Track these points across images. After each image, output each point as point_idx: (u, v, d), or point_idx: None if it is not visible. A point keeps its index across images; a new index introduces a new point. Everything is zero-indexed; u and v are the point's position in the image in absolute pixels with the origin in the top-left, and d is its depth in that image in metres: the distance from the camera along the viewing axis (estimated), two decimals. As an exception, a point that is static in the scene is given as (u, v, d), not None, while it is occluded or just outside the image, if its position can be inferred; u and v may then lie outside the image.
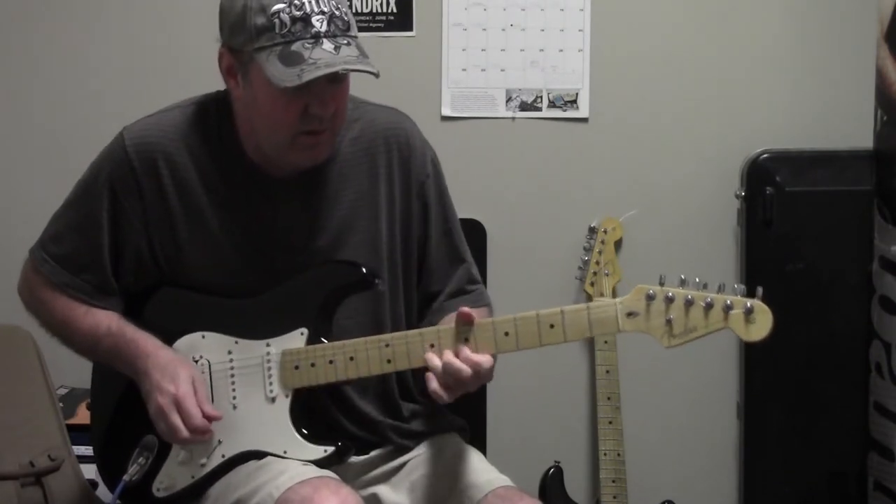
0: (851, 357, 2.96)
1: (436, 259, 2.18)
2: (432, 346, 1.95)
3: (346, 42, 1.93)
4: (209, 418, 2.01)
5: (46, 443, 2.39)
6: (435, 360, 1.93)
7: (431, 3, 3.02)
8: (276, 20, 1.91)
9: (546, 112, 3.06)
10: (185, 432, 1.99)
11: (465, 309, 1.96)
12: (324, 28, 1.92)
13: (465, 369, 1.90)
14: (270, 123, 1.99)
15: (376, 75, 1.94)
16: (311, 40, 1.91)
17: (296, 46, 1.91)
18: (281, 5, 1.91)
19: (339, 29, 1.93)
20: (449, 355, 1.92)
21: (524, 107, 3.05)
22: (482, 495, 2.02)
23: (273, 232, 2.08)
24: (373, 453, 2.15)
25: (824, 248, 2.98)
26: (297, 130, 1.97)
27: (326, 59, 1.90)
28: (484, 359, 1.92)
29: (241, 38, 1.95)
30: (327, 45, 1.91)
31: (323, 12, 1.92)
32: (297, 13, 1.91)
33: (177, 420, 1.99)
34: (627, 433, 2.95)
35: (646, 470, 3.08)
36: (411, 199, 2.14)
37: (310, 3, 1.92)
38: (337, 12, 1.94)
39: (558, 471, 3.03)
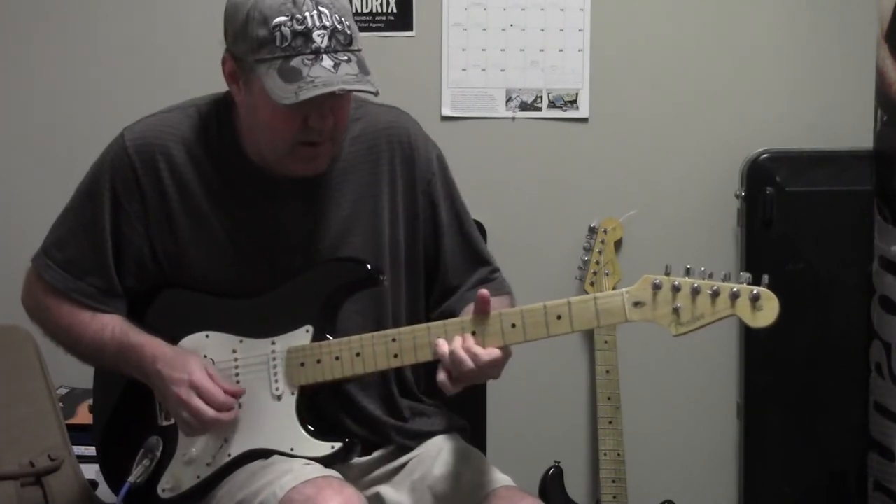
0: (851, 357, 2.96)
1: (452, 254, 2.17)
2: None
3: (346, 59, 1.90)
4: (232, 395, 2.00)
5: (46, 443, 2.38)
6: (443, 348, 1.92)
7: (431, 3, 3.01)
8: (278, 33, 1.88)
9: (546, 112, 3.05)
10: (210, 412, 1.97)
11: (484, 291, 1.93)
12: (324, 44, 1.89)
13: (467, 360, 1.89)
14: (270, 133, 1.99)
15: (375, 94, 1.92)
16: (311, 56, 1.88)
17: (295, 62, 1.88)
18: (283, 18, 1.89)
19: (340, 44, 1.90)
20: (456, 343, 1.91)
21: (524, 107, 3.05)
22: (483, 495, 2.02)
23: (274, 232, 2.07)
24: (375, 453, 2.14)
25: (824, 248, 2.98)
26: (297, 141, 1.97)
27: (324, 78, 1.88)
28: (484, 352, 1.90)
29: (244, 47, 1.93)
30: (327, 61, 1.89)
31: (325, 27, 1.89)
32: (299, 27, 1.88)
33: (199, 403, 1.97)
34: (627, 433, 2.95)
35: (646, 470, 3.08)
36: (417, 198, 2.14)
37: (312, 17, 1.89)
38: (339, 27, 1.91)
39: (558, 471, 3.03)
